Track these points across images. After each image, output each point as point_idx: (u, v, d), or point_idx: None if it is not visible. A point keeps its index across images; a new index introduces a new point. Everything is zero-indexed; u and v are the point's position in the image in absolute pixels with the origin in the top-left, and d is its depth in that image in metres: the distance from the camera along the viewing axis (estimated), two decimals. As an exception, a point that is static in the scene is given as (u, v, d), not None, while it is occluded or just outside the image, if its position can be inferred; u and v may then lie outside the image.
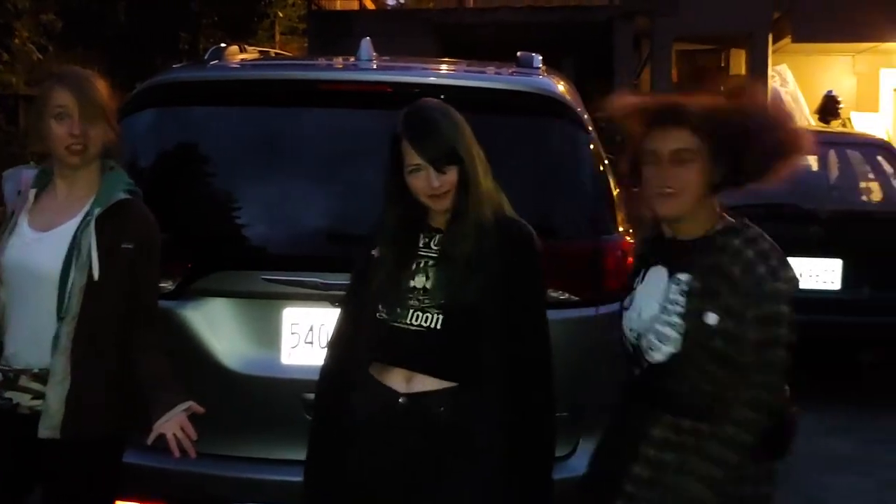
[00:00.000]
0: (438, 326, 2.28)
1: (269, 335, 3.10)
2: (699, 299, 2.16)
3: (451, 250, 2.30)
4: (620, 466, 2.26)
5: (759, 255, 2.13)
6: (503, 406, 2.28)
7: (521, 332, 2.30)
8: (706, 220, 2.24)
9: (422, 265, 2.34)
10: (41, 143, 2.51)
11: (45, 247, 2.49)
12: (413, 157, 2.30)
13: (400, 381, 2.31)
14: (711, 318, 2.13)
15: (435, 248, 2.35)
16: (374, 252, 2.42)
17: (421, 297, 2.30)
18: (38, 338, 2.47)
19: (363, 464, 2.35)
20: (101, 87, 2.52)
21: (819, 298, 5.86)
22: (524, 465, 2.30)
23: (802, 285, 6.63)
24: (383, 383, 2.32)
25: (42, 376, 2.49)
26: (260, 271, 3.05)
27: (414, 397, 2.29)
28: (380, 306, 2.34)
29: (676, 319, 2.18)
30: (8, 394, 2.52)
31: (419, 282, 2.32)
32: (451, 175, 2.30)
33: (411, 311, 2.30)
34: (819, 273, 5.93)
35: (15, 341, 2.52)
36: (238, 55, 3.62)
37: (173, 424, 2.48)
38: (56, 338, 2.46)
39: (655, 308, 2.24)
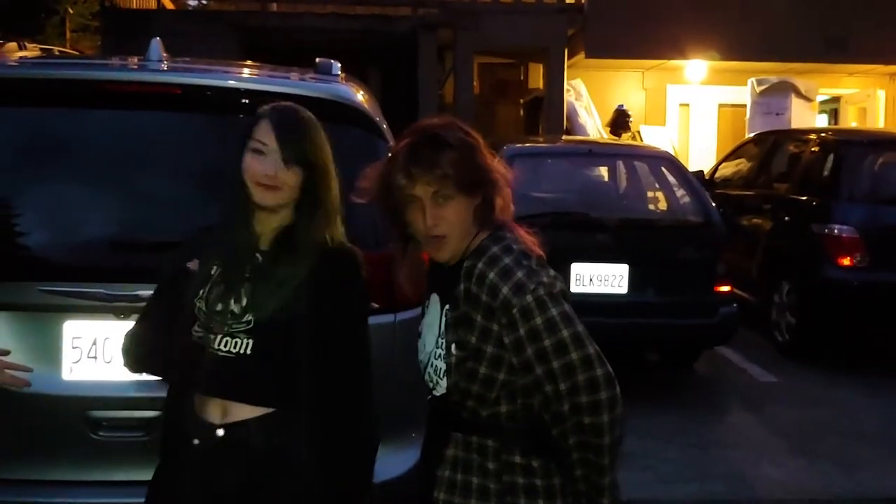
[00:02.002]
0: (248, 351, 2.20)
1: (48, 350, 2.93)
2: (454, 330, 2.12)
3: (269, 271, 2.21)
4: (428, 492, 2.22)
5: (501, 275, 2.05)
6: (321, 426, 2.21)
7: (333, 351, 2.23)
8: (464, 244, 2.17)
9: (240, 289, 2.24)
10: None
11: None
12: (264, 136, 2.19)
13: (217, 412, 2.22)
14: (455, 349, 2.10)
15: (252, 269, 2.24)
16: (190, 265, 2.29)
17: (230, 321, 2.21)
18: None
19: (184, 495, 2.24)
20: None
21: (607, 302, 6.15)
22: (340, 479, 2.23)
23: (592, 289, 6.92)
24: (200, 415, 2.23)
25: None
26: (37, 282, 2.87)
27: (230, 428, 2.20)
28: (196, 326, 2.24)
29: (445, 352, 2.15)
30: None
31: (234, 305, 2.22)
32: (292, 175, 2.20)
33: (220, 336, 2.21)
34: (607, 278, 6.22)
35: None
36: (17, 52, 3.41)
37: None
38: None
39: (433, 340, 2.20)
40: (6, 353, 2.38)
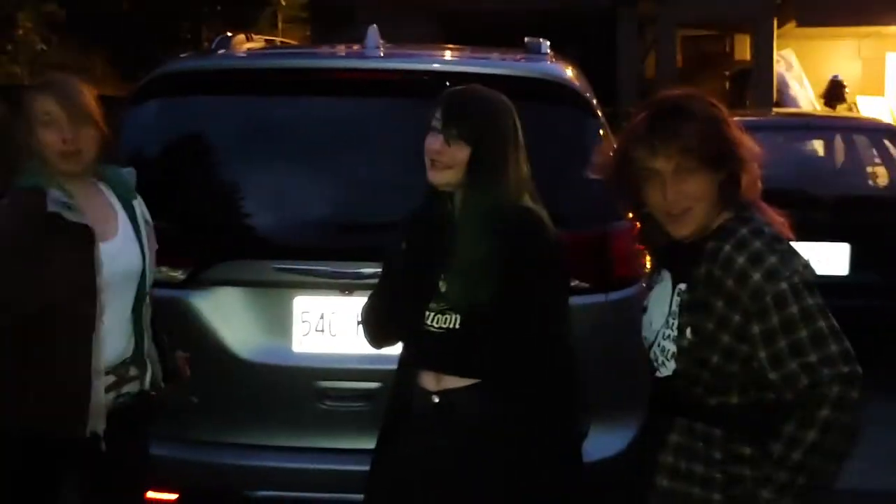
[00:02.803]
0: (457, 326, 2.29)
1: (280, 324, 3.11)
2: (689, 314, 2.03)
3: (458, 249, 2.27)
4: (649, 476, 2.16)
5: (752, 260, 1.93)
6: (526, 398, 2.27)
7: (533, 324, 2.28)
8: (706, 221, 2.06)
9: (443, 268, 2.32)
10: (33, 155, 2.45)
11: (124, 254, 2.52)
12: (437, 115, 2.29)
13: (431, 381, 2.34)
14: (689, 334, 2.01)
15: (447, 248, 2.32)
16: (403, 244, 2.40)
17: (439, 300, 2.31)
18: (116, 331, 2.51)
19: (403, 459, 2.38)
20: (87, 91, 2.49)
21: (827, 283, 5.84)
22: (548, 454, 2.28)
23: (809, 271, 6.50)
24: (419, 384, 2.36)
25: (134, 362, 2.56)
26: (270, 260, 3.05)
27: (443, 395, 2.32)
28: (407, 304, 2.37)
29: (676, 334, 2.07)
30: (126, 388, 2.55)
31: (441, 284, 2.31)
32: (457, 152, 2.26)
33: (432, 313, 2.32)
34: (826, 258, 5.92)
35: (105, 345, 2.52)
36: (245, 44, 3.61)
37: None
38: (140, 321, 2.56)
39: (661, 320, 2.12)
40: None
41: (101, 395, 2.43)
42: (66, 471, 2.52)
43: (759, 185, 2.09)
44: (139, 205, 2.62)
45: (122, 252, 2.51)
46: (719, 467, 2.03)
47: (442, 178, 2.29)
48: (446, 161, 2.26)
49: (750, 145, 2.07)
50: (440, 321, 2.31)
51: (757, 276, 1.92)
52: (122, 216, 2.57)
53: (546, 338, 2.30)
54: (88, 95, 2.47)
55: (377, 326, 2.47)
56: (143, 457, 2.67)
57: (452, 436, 2.30)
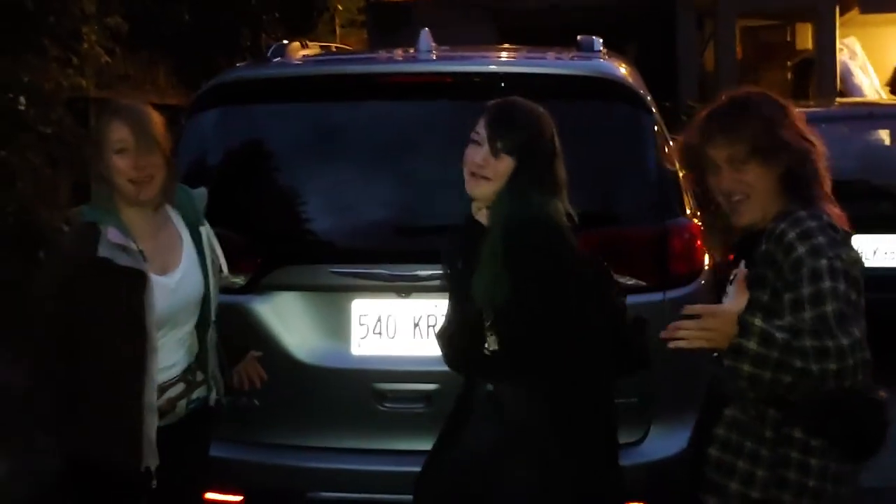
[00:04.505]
0: (498, 348, 2.37)
1: (338, 327, 3.14)
2: (752, 290, 2.10)
3: (488, 258, 2.31)
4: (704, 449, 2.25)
5: (801, 237, 2.03)
6: (560, 398, 2.31)
7: (558, 330, 2.30)
8: (765, 211, 2.18)
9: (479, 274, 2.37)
10: (103, 180, 2.47)
11: (185, 285, 2.55)
12: (480, 127, 2.33)
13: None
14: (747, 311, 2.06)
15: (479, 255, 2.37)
16: (459, 264, 2.47)
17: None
18: (179, 346, 2.58)
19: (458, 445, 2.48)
20: (157, 119, 2.52)
21: (891, 276, 5.70)
22: (578, 452, 2.32)
23: (875, 263, 6.44)
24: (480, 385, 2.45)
25: (200, 367, 2.63)
26: (328, 264, 3.09)
27: (489, 394, 2.42)
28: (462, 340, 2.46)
29: None
30: (196, 393, 2.62)
31: (475, 290, 2.36)
32: (500, 164, 2.30)
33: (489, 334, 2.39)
34: (891, 250, 5.77)
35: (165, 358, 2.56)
36: (300, 51, 3.66)
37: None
38: (205, 338, 2.62)
39: None
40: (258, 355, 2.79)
41: (153, 431, 2.45)
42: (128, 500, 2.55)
43: (827, 181, 2.18)
44: (206, 230, 2.63)
45: (183, 283, 2.54)
46: (768, 445, 2.11)
47: (481, 190, 2.33)
48: (488, 173, 2.30)
49: (812, 141, 2.18)
50: (491, 343, 2.39)
51: (802, 249, 2.02)
52: (187, 243, 2.59)
53: (577, 347, 2.31)
54: (158, 122, 2.51)
55: (448, 353, 2.57)
56: (204, 461, 2.72)
57: (494, 429, 2.38)
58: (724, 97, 2.25)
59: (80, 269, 2.40)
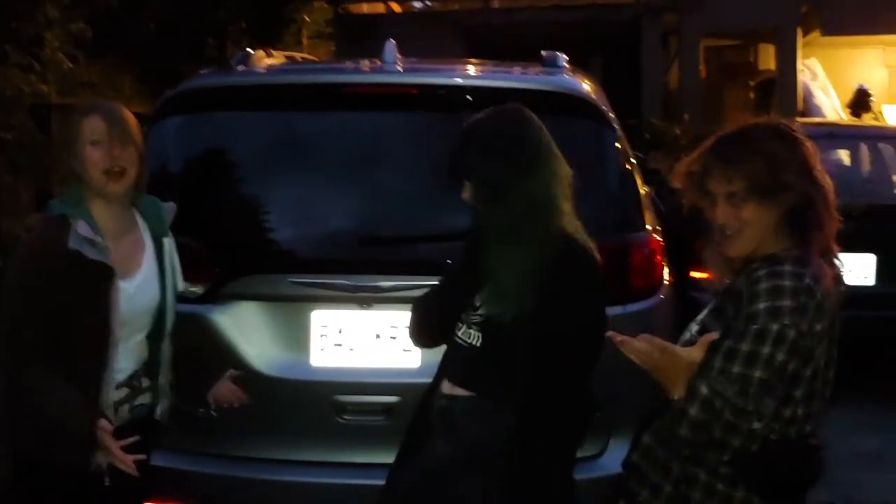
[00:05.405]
0: (478, 343, 2.34)
1: (298, 338, 3.12)
2: (707, 315, 2.13)
3: (491, 270, 2.30)
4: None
5: (770, 292, 1.98)
6: (518, 422, 2.28)
7: (549, 352, 2.26)
8: (758, 246, 2.13)
9: (478, 283, 2.36)
10: (74, 174, 2.46)
11: (142, 293, 2.54)
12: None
13: (447, 387, 2.42)
14: (695, 330, 2.11)
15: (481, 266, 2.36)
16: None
17: (469, 312, 2.37)
18: (129, 353, 2.55)
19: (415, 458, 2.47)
20: (131, 117, 2.53)
21: (853, 294, 5.77)
22: (527, 470, 2.29)
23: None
24: (440, 388, 2.45)
25: (147, 374, 2.59)
26: (288, 274, 3.07)
27: (450, 399, 2.39)
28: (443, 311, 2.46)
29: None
30: (139, 399, 2.59)
31: (476, 298, 2.37)
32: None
33: (463, 325, 2.38)
34: (853, 268, 5.85)
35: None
36: (265, 60, 3.64)
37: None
38: (157, 345, 2.59)
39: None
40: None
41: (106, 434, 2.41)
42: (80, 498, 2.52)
43: (833, 224, 2.09)
44: (169, 243, 2.63)
45: (141, 290, 2.53)
46: (679, 461, 2.11)
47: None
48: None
49: (820, 183, 2.09)
50: (466, 335, 2.36)
51: (763, 305, 1.97)
52: (149, 252, 2.59)
53: (557, 367, 2.28)
54: (132, 119, 2.52)
55: (418, 323, 2.53)
56: (145, 470, 2.69)
57: (451, 443, 2.36)
58: (735, 127, 2.16)
59: (52, 260, 2.38)
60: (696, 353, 2.02)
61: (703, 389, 1.96)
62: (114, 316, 2.43)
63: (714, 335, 2.04)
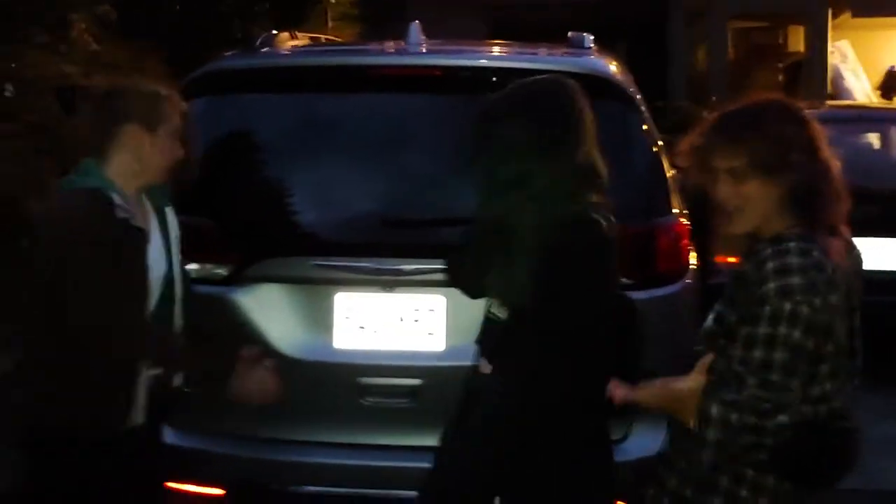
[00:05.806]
0: (504, 318, 2.36)
1: (321, 320, 3.12)
2: (720, 303, 2.12)
3: (502, 249, 2.31)
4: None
5: (778, 271, 1.96)
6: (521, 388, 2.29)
7: (547, 325, 2.26)
8: (760, 224, 2.12)
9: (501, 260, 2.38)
10: (114, 152, 2.51)
11: (157, 260, 2.59)
12: None
13: (483, 363, 2.45)
14: (712, 322, 2.11)
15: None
16: None
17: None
18: None
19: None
20: None
21: (882, 279, 5.71)
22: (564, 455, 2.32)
23: (864, 266, 6.47)
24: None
25: None
26: (312, 257, 3.06)
27: (479, 377, 2.43)
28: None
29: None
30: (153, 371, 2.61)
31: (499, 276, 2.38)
32: None
33: (497, 302, 2.40)
34: (880, 253, 5.78)
35: None
36: (288, 42, 3.63)
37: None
38: (169, 321, 2.62)
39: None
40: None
41: (143, 391, 2.50)
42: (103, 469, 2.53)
43: (841, 203, 2.08)
44: (170, 212, 2.67)
45: (156, 258, 2.57)
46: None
47: None
48: None
49: (826, 163, 2.07)
50: (497, 310, 2.38)
51: (773, 286, 1.94)
52: (154, 222, 2.62)
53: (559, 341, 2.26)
54: None
55: (453, 276, 2.59)
56: (157, 439, 2.73)
57: (477, 418, 2.37)
58: (740, 104, 2.14)
59: (109, 229, 2.40)
60: (693, 381, 2.03)
61: (714, 410, 1.96)
62: (150, 280, 2.52)
63: (709, 358, 2.05)
